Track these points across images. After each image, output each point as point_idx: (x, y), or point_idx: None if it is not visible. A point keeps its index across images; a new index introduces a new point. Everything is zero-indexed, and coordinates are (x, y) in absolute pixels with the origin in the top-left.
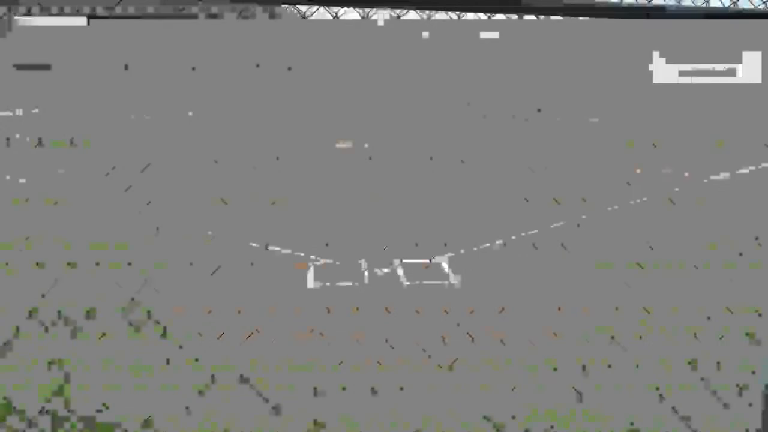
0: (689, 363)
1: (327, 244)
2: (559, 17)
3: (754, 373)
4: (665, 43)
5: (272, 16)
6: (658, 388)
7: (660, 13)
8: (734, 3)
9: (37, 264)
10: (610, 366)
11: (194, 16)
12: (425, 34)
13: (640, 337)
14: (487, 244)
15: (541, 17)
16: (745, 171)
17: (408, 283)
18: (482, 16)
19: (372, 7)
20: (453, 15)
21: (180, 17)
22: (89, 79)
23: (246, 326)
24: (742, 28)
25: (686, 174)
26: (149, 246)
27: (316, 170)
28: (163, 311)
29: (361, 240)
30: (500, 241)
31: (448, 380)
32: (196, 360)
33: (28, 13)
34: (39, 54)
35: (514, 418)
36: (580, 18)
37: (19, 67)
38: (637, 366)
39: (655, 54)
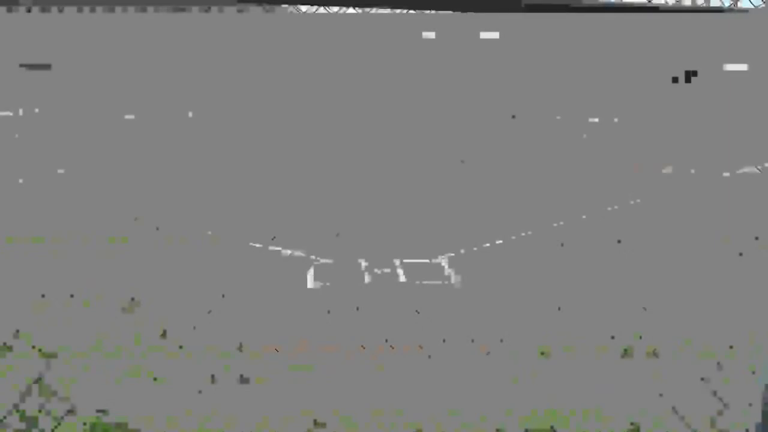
0: (690, 363)
1: (327, 245)
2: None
3: (754, 373)
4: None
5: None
6: (658, 390)
7: None
8: (734, 2)
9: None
10: (610, 365)
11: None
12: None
13: (640, 337)
14: (487, 245)
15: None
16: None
17: (407, 282)
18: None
19: (371, 6)
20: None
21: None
22: None
23: (245, 326)
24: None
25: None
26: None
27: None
28: (163, 311)
29: (361, 240)
30: (500, 241)
31: (448, 380)
32: (197, 361)
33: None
34: None
35: (513, 416)
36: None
37: None
38: (637, 365)
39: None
